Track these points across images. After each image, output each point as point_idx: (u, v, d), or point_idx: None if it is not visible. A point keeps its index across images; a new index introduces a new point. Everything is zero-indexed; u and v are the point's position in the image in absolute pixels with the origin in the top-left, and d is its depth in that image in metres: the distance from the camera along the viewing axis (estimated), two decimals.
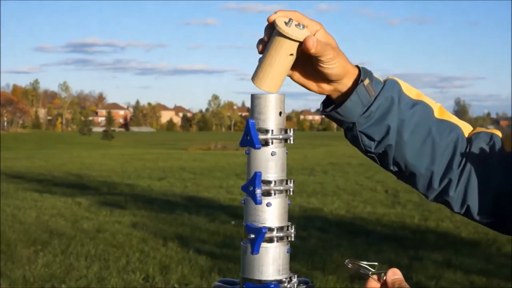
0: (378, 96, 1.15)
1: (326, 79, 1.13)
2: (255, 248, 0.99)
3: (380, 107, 1.15)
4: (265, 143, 1.00)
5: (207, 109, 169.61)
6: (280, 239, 1.01)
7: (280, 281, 1.00)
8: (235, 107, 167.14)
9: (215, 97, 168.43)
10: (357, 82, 1.14)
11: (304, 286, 1.06)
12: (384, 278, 1.00)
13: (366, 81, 1.14)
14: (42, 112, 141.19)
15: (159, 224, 9.67)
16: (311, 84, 1.16)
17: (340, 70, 1.11)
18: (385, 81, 1.18)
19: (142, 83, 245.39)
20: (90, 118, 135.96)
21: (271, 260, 1.00)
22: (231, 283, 1.09)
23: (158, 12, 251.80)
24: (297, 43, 1.05)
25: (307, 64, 1.13)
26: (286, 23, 1.05)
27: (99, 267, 6.96)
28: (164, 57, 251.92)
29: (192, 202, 12.39)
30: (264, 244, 1.00)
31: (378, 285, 1.00)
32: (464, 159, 1.21)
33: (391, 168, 1.23)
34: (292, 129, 1.02)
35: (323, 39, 1.08)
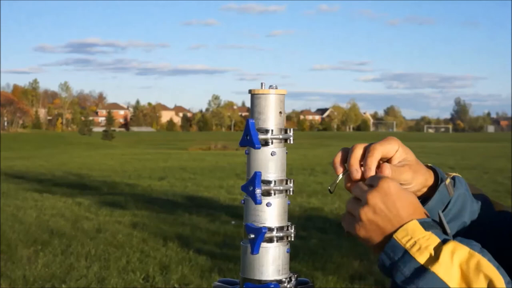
0: (453, 195, 1.15)
1: None
2: (255, 248, 1.00)
3: (455, 204, 1.14)
4: (265, 143, 1.00)
5: (207, 109, 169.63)
6: (280, 239, 1.01)
7: (280, 281, 1.00)
8: (235, 107, 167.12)
9: (216, 97, 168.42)
10: (436, 182, 1.14)
11: (304, 286, 1.06)
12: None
13: (448, 181, 1.14)
14: (42, 112, 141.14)
15: (159, 224, 9.67)
16: None
17: (418, 187, 1.11)
18: (453, 178, 1.17)
19: (142, 83, 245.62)
20: (90, 118, 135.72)
21: (271, 260, 1.00)
22: (231, 283, 1.09)
23: (158, 12, 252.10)
24: None
25: None
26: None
27: (99, 267, 6.96)
28: (165, 57, 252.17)
29: (192, 202, 12.39)
30: (264, 244, 1.00)
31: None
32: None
33: None
34: (291, 129, 1.03)
35: (400, 158, 1.08)
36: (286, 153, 1.04)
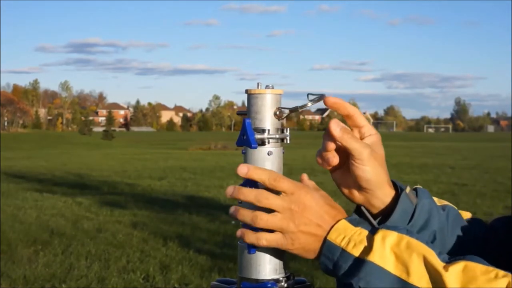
0: (417, 204, 1.11)
1: (358, 185, 1.07)
2: (252, 248, 1.00)
3: (421, 214, 1.11)
4: (262, 142, 1.00)
5: (207, 109, 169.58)
6: None
7: (277, 280, 1.01)
8: (235, 107, 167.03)
9: (216, 97, 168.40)
10: (397, 194, 1.10)
11: (302, 285, 1.06)
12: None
13: (408, 189, 1.11)
14: (42, 112, 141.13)
15: (160, 224, 9.67)
16: (344, 186, 1.11)
17: (373, 177, 1.05)
18: (414, 189, 1.14)
19: (142, 83, 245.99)
20: (91, 118, 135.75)
21: (268, 259, 1.00)
22: (229, 282, 1.10)
23: (159, 12, 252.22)
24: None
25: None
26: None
27: (100, 267, 6.96)
28: (165, 57, 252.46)
29: (192, 202, 12.38)
30: None
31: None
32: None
33: None
34: (288, 129, 1.03)
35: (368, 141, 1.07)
36: (283, 152, 1.04)
